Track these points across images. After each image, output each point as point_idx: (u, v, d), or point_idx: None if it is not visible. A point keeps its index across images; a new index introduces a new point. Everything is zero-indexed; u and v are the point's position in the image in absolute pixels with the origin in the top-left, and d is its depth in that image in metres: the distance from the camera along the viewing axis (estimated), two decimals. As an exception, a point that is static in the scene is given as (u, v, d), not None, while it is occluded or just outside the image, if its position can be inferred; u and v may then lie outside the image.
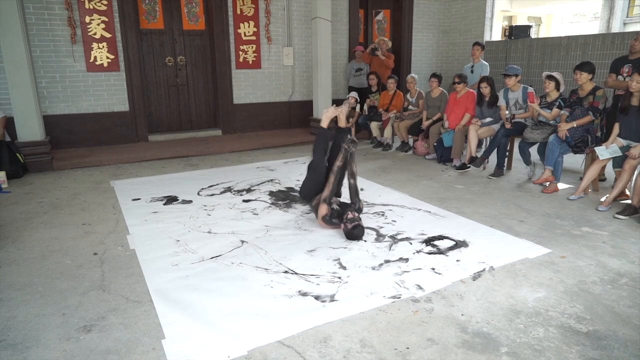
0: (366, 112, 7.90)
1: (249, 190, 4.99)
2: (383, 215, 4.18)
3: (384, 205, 4.47)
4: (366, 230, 3.78)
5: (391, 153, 7.14)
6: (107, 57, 6.99)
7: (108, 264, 3.24)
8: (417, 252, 3.36)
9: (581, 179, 5.37)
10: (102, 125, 7.15)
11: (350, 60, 8.96)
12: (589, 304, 2.74)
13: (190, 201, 4.65)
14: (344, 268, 3.12)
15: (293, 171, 5.91)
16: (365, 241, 3.56)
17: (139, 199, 4.74)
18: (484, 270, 3.10)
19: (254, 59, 8.19)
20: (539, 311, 2.66)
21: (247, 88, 8.29)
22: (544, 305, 2.73)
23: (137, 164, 6.43)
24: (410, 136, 7.16)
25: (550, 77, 5.13)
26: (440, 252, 3.37)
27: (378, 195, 4.81)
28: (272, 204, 4.56)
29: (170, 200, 4.69)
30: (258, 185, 5.20)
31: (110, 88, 7.13)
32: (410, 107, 7.25)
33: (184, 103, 8.09)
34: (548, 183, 4.97)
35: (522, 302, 2.75)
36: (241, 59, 8.08)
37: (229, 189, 5.05)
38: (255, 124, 8.45)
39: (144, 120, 7.52)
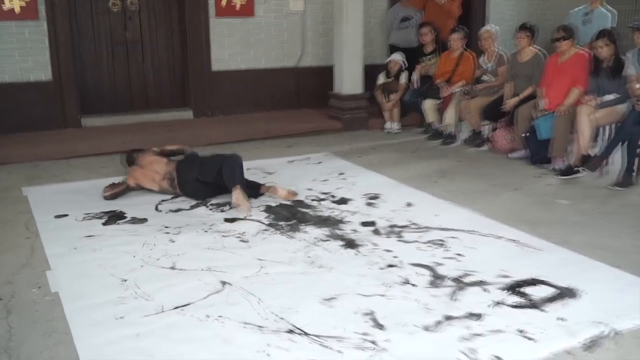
0: (417, 85, 7.85)
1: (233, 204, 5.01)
2: (442, 245, 4.14)
3: (444, 229, 4.43)
4: (417, 269, 3.76)
5: (455, 148, 7.08)
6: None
7: (17, 315, 3.25)
8: (496, 304, 3.32)
9: None
10: (12, 102, 7.23)
11: (392, 4, 8.95)
12: None
13: (145, 220, 4.67)
14: (381, 327, 3.09)
15: (302, 176, 5.90)
16: (414, 285, 3.53)
17: (65, 215, 4.77)
18: (603, 335, 3.04)
19: (244, 2, 8.25)
20: (692, 401, 2.59)
21: (232, 46, 8.35)
22: (700, 392, 2.65)
23: (64, 161, 6.49)
24: (485, 122, 7.11)
25: None
26: (532, 304, 3.31)
27: (434, 214, 4.77)
28: (270, 225, 4.55)
29: (114, 217, 4.71)
30: (248, 196, 5.20)
31: (24, 46, 7.23)
32: (485, 77, 7.20)
33: (136, 69, 8.17)
34: None
35: (665, 387, 2.68)
36: (224, 3, 8.14)
37: (203, 202, 5.09)
38: (245, 102, 8.48)
39: (75, 95, 7.61)
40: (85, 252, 4.06)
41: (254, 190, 5.11)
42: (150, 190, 5.27)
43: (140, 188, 5.29)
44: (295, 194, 5.15)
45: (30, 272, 3.78)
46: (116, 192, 5.19)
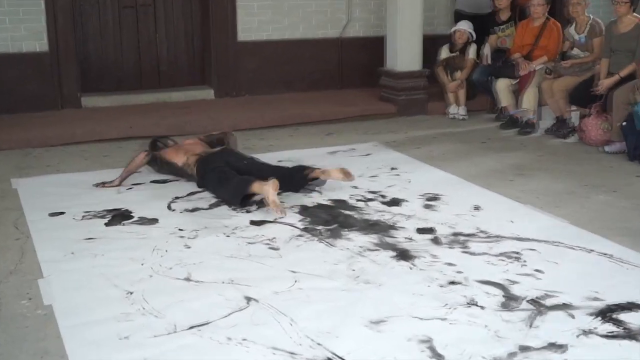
0: (489, 61, 7.77)
1: (260, 204, 5.01)
2: (518, 259, 4.09)
3: (520, 239, 4.38)
4: (486, 288, 3.72)
5: (535, 139, 7.00)
6: (13, -46, 7.25)
7: (3, 332, 3.28)
8: (585, 332, 3.26)
9: None
10: (1, 78, 7.39)
11: (459, -40, 8.89)
12: None
13: (155, 220, 4.72)
14: (440, 358, 3.06)
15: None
16: (482, 308, 3.49)
17: (61, 213, 4.84)
18: None
19: (278, -43, 8.29)
20: None
21: (262, 12, 8.38)
22: None
23: (61, 148, 6.61)
24: (573, 107, 7.00)
25: None
26: (629, 335, 3.25)
27: (509, 220, 4.72)
28: (306, 230, 4.55)
29: (119, 217, 4.76)
30: (280, 194, 5.21)
31: (16, 10, 7.36)
32: (574, 51, 7.09)
33: (147, 39, 8.26)
34: None
35: None
36: (254, -42, 8.19)
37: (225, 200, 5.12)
38: (278, 80, 8.51)
39: (75, 70, 7.73)
40: (85, 257, 4.10)
41: (299, 178, 5.25)
42: (162, 177, 5.54)
43: (160, 166, 5.55)
44: (349, 175, 5.19)
45: (19, 280, 3.82)
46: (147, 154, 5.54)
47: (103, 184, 5.38)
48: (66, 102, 7.68)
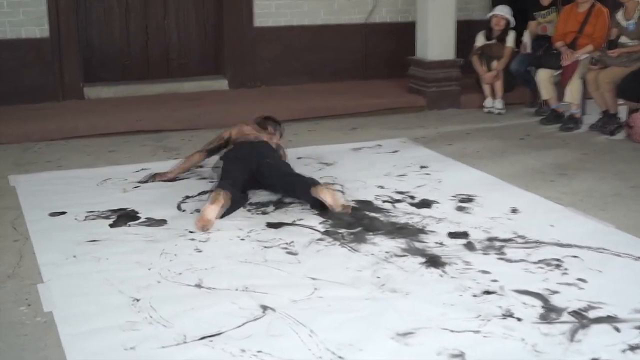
0: (528, 50, 7.75)
1: (278, 204, 5.05)
2: (559, 266, 4.08)
3: (561, 245, 4.37)
4: (523, 298, 3.71)
5: (579, 136, 6.97)
6: None
7: (1, 341, 3.30)
8: (632, 348, 3.24)
9: None
10: (-2, 66, 7.48)
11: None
12: None
13: (163, 221, 4.74)
14: (474, 374, 3.07)
15: (371, 169, 5.94)
16: (519, 320, 3.48)
17: (62, 212, 4.88)
18: None
19: None
20: None
21: (281, -4, 8.42)
22: None
23: (63, 142, 6.66)
24: (620, 101, 6.97)
25: None
26: (683, 351, 3.24)
27: (549, 224, 4.71)
28: (327, 233, 4.56)
29: (124, 218, 4.80)
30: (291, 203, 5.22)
31: (16, -7, 7.44)
32: (622, 39, 7.05)
33: (155, 24, 8.30)
34: None
35: None
36: (272, -63, 8.22)
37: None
38: (297, 70, 8.53)
39: (78, 58, 7.80)
40: (87, 261, 4.13)
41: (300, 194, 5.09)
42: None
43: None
44: (349, 207, 4.96)
45: (17, 285, 3.86)
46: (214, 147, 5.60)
47: (157, 176, 5.50)
48: (68, 93, 7.73)
